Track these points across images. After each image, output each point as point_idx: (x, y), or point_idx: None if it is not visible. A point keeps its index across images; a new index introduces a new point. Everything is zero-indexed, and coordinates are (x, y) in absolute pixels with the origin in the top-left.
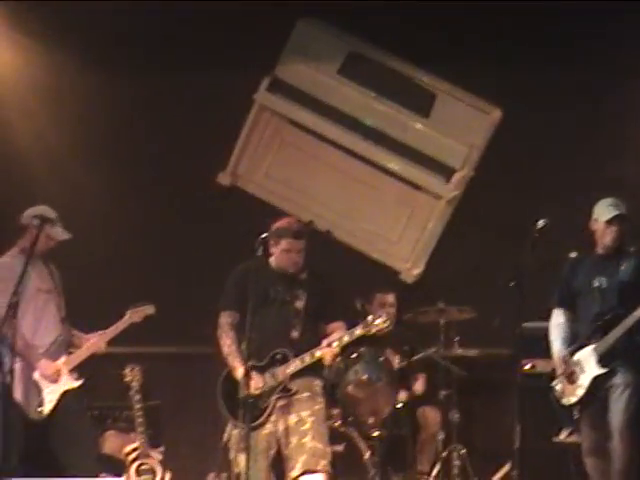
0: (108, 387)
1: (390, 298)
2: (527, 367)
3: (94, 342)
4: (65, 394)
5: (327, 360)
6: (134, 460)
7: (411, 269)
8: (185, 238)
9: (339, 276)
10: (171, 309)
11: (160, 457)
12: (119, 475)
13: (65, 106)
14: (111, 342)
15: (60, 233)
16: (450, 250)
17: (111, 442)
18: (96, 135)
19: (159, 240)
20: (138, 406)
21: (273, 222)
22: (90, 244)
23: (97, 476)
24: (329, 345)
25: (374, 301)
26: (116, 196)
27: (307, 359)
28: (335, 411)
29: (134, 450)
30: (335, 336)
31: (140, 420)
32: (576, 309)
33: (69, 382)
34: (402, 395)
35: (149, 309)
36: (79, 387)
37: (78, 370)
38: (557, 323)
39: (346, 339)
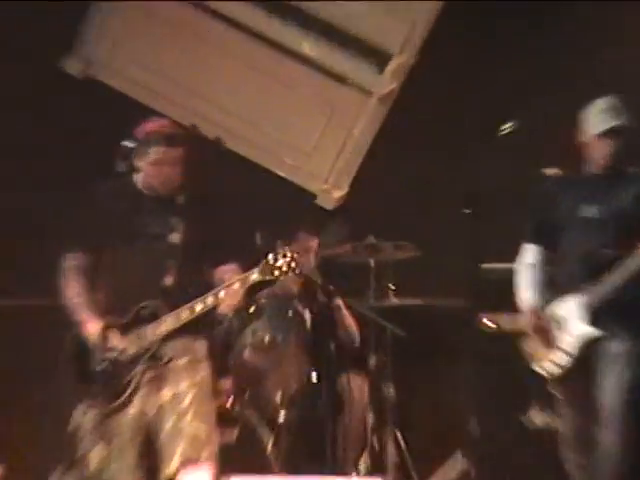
0: None
1: (314, 243)
2: (486, 324)
3: None
4: None
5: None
6: None
7: (331, 191)
8: (20, 149)
9: (231, 200)
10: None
11: None
12: None
13: None
14: None
15: None
16: (383, 166)
17: None
18: None
19: None
20: None
21: (140, 128)
22: None
23: None
24: (214, 295)
25: (296, 243)
26: None
27: (185, 315)
28: (227, 384)
29: None
30: (229, 274)
31: None
32: (555, 247)
33: None
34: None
35: None
36: None
37: None
38: (528, 263)
39: (237, 286)
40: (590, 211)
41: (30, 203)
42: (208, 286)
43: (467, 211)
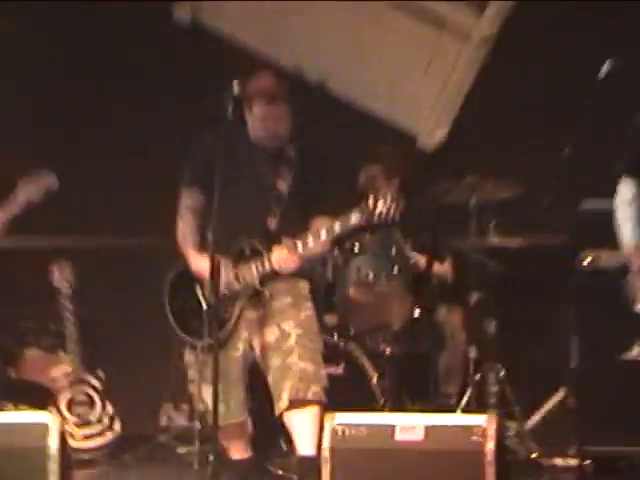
0: (27, 292)
1: (375, 170)
2: (588, 260)
3: None
4: None
5: (285, 268)
6: (65, 388)
7: (432, 131)
8: (128, 96)
9: (335, 145)
10: (110, 187)
11: (98, 384)
12: (43, 407)
13: None
14: (22, 231)
15: None
16: (483, 107)
17: (33, 364)
18: None
19: (93, 97)
20: (69, 317)
21: (250, 74)
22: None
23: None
24: (316, 235)
25: (361, 177)
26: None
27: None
28: (332, 321)
29: (64, 375)
30: (323, 224)
31: (72, 335)
32: None
33: None
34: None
35: (48, 180)
36: None
37: None
38: (627, 198)
39: (337, 229)
40: None
41: (148, 145)
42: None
43: (567, 149)
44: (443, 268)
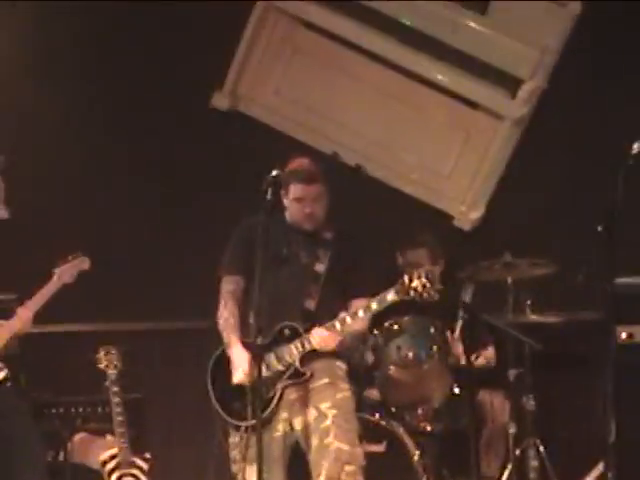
0: (76, 377)
1: (421, 255)
2: (623, 336)
3: (19, 316)
4: None
5: (325, 347)
6: (113, 470)
7: (468, 212)
8: (172, 182)
9: (373, 227)
10: (157, 273)
11: (146, 466)
12: None
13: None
14: (79, 318)
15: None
16: (518, 186)
17: (82, 448)
18: (57, 46)
19: (140, 187)
20: (116, 400)
21: (286, 161)
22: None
23: None
24: (353, 314)
25: (403, 260)
26: (81, 127)
27: (305, 344)
28: (374, 399)
29: (112, 457)
30: (360, 303)
31: (119, 419)
32: None
33: None
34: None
35: (82, 262)
36: (6, 379)
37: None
38: None
39: (374, 307)
40: None
41: (187, 232)
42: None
43: (600, 227)
44: (486, 355)
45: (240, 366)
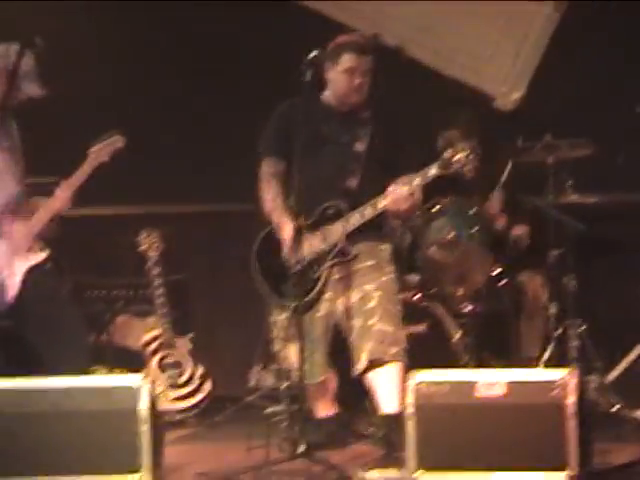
0: (118, 260)
1: (454, 135)
2: None
3: (57, 196)
4: (32, 271)
5: (399, 205)
6: (155, 351)
7: (509, 93)
8: (214, 67)
9: (413, 108)
10: (197, 155)
11: (189, 347)
12: (135, 371)
13: None
14: (122, 201)
15: (35, 89)
16: (559, 68)
17: (124, 330)
18: None
19: (181, 70)
20: (158, 282)
21: (328, 43)
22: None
23: (89, 371)
24: (396, 191)
25: (439, 142)
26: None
27: (369, 211)
28: (414, 281)
29: (155, 339)
30: (403, 180)
31: (161, 300)
32: None
33: (31, 255)
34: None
35: (116, 141)
36: (46, 260)
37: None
38: None
39: (417, 181)
40: None
41: (230, 113)
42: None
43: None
44: (520, 231)
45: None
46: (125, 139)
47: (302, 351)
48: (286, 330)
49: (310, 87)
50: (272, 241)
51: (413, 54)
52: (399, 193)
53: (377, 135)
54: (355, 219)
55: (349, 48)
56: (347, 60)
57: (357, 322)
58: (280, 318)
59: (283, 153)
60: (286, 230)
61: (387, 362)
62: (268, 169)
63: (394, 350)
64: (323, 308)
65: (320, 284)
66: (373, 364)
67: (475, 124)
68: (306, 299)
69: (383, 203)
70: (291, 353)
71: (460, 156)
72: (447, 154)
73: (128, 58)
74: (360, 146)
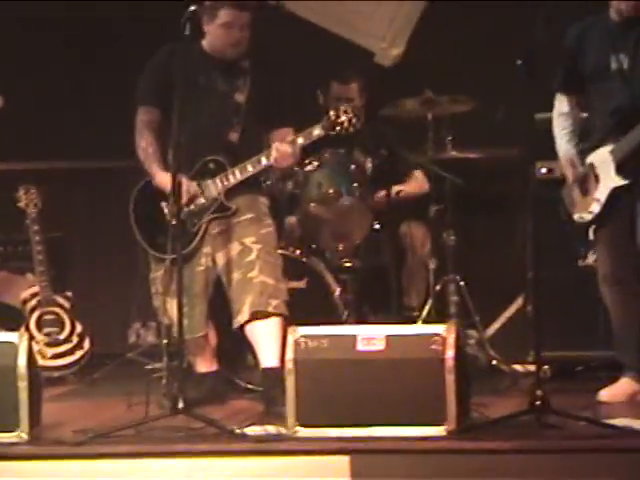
0: None
1: (352, 90)
2: (543, 171)
3: None
4: None
5: (283, 163)
6: (34, 309)
7: (389, 48)
8: (90, 18)
9: (293, 63)
10: (77, 109)
11: (67, 304)
12: (14, 329)
13: None
14: None
15: None
16: (438, 22)
17: (3, 286)
18: None
19: (56, 23)
20: (36, 239)
21: None
22: None
23: None
24: (288, 144)
25: (330, 94)
26: None
27: (250, 168)
28: (293, 235)
29: (33, 296)
30: (286, 137)
31: (39, 257)
32: (588, 96)
33: None
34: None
35: None
36: None
37: None
38: (560, 112)
39: (301, 140)
40: (619, 60)
41: (110, 65)
42: (268, 146)
43: (519, 62)
44: (412, 185)
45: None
46: (3, 97)
47: (181, 306)
48: (165, 285)
49: (189, 40)
50: (149, 193)
51: (294, 9)
52: (282, 151)
53: (256, 85)
54: (236, 174)
55: (227, 3)
56: (224, 15)
57: (237, 275)
58: (159, 274)
59: (159, 102)
60: (159, 179)
61: (269, 315)
62: (143, 117)
63: (275, 302)
64: (203, 263)
65: (198, 238)
66: (254, 316)
67: (365, 80)
68: (183, 252)
69: (265, 161)
70: (171, 308)
71: (344, 118)
72: (331, 115)
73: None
74: (240, 97)
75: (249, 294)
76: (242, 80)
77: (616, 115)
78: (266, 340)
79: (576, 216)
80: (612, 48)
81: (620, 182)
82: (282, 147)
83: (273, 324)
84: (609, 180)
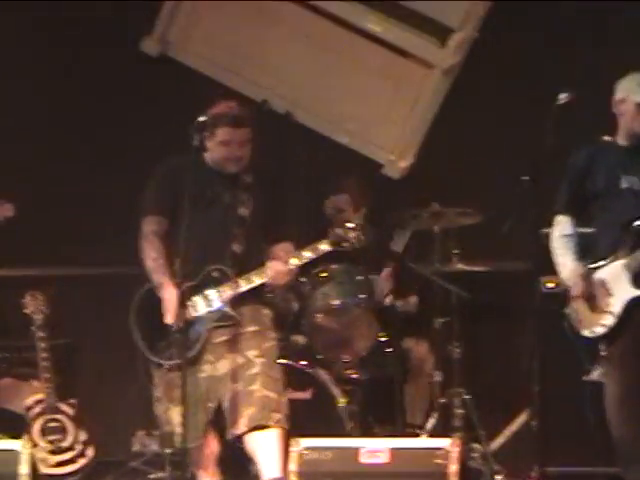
0: (2, 322)
1: (343, 201)
2: (549, 285)
3: None
4: None
5: (278, 281)
6: (38, 416)
7: (397, 161)
8: (102, 127)
9: (299, 173)
10: (83, 217)
11: (72, 412)
12: (17, 436)
13: None
14: (5, 264)
15: None
16: (447, 136)
17: (7, 392)
18: None
19: (67, 131)
20: (42, 345)
21: (209, 109)
22: None
23: None
24: (284, 262)
25: (327, 207)
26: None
27: (255, 279)
28: (299, 346)
29: (38, 403)
30: (291, 250)
31: (45, 364)
32: (592, 215)
33: None
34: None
35: (5, 209)
36: None
37: None
38: (563, 234)
39: (308, 255)
40: (630, 181)
41: (114, 175)
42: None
43: (526, 178)
44: (409, 303)
45: (173, 307)
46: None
47: (185, 414)
48: (167, 392)
49: (196, 151)
50: (152, 299)
51: (302, 120)
52: (277, 270)
53: (259, 201)
54: (240, 285)
55: (224, 121)
56: (222, 133)
57: (237, 386)
58: (162, 381)
59: (166, 212)
60: (167, 291)
61: (268, 428)
62: (150, 227)
63: (277, 416)
64: (205, 370)
65: (199, 346)
66: (253, 430)
67: (364, 192)
68: (182, 360)
69: (259, 280)
70: (174, 416)
71: (351, 235)
72: (338, 231)
73: None
74: (244, 211)
75: (249, 407)
76: (246, 194)
77: (624, 231)
78: (267, 452)
79: (586, 332)
80: (622, 170)
81: (637, 293)
82: (276, 266)
83: (272, 436)
84: (624, 292)
